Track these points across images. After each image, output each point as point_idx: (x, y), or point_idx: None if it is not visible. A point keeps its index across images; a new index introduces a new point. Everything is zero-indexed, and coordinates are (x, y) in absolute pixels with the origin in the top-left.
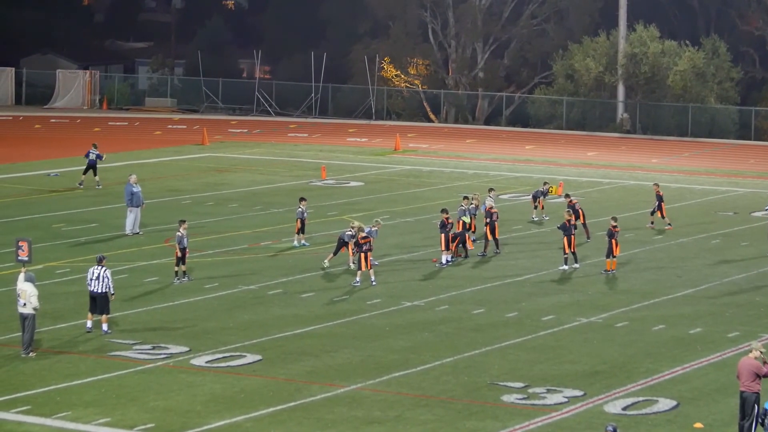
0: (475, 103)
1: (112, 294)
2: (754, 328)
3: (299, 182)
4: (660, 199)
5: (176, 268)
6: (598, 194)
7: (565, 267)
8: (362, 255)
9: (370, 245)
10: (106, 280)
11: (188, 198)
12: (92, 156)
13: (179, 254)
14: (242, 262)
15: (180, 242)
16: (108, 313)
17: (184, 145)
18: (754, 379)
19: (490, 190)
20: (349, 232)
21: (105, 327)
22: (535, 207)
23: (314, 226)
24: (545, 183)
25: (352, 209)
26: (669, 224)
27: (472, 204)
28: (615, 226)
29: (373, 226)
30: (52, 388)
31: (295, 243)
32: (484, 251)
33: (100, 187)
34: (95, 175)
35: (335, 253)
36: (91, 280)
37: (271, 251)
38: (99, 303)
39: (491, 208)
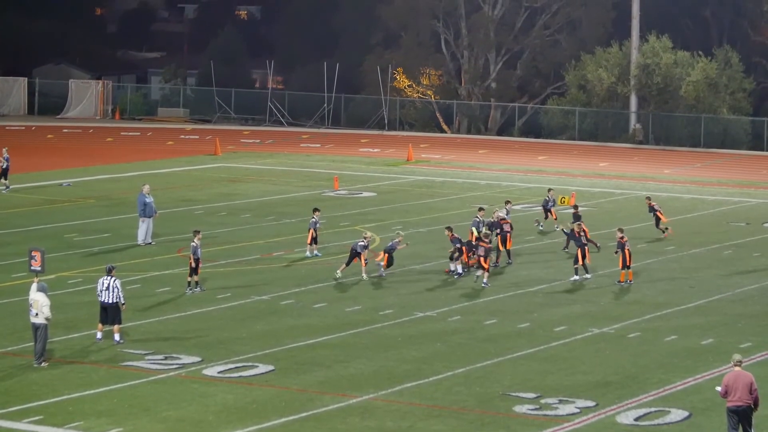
0: (488, 113)
1: (123, 304)
2: (766, 338)
3: (312, 192)
4: (652, 210)
5: (189, 279)
6: (611, 205)
7: (577, 277)
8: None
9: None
10: (116, 290)
11: (201, 208)
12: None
13: (193, 264)
14: (255, 272)
15: (194, 252)
16: (120, 323)
17: (196, 155)
18: (749, 391)
19: (507, 202)
20: (362, 243)
21: (117, 337)
22: (547, 217)
23: (327, 237)
24: (550, 189)
25: (364, 220)
26: (667, 228)
27: (490, 217)
28: (622, 237)
29: (396, 239)
30: (64, 398)
31: (308, 253)
32: (497, 262)
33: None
34: (5, 178)
35: (348, 264)
36: (102, 290)
37: (283, 261)
38: (110, 313)
39: (503, 219)
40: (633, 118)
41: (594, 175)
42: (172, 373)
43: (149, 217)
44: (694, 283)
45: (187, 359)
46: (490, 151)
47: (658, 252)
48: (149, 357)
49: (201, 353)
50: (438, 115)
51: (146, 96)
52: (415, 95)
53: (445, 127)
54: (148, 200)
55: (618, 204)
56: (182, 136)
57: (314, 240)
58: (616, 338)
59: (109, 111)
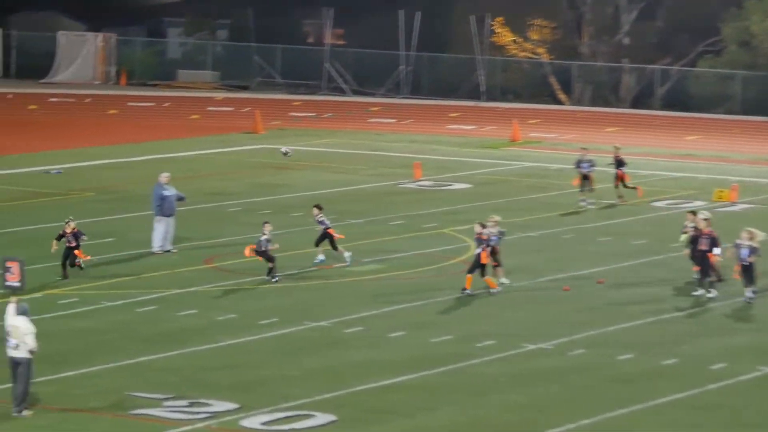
0: (619, 78)
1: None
2: None
3: (384, 184)
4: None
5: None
6: None
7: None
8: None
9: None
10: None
11: (236, 204)
12: None
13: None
14: (308, 290)
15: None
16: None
17: (230, 133)
18: None
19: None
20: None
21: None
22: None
23: (405, 242)
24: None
25: (454, 220)
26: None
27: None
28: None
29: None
30: None
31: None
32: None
33: None
34: None
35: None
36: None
37: (347, 276)
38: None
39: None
40: None
41: (763, 161)
42: (199, 425)
43: (169, 216)
44: None
45: (219, 406)
46: (623, 129)
47: None
48: (168, 403)
49: (238, 398)
50: (552, 80)
51: (162, 54)
52: (521, 54)
53: (561, 96)
54: (167, 193)
55: None
56: (210, 108)
57: (333, 245)
58: None
59: (113, 74)
